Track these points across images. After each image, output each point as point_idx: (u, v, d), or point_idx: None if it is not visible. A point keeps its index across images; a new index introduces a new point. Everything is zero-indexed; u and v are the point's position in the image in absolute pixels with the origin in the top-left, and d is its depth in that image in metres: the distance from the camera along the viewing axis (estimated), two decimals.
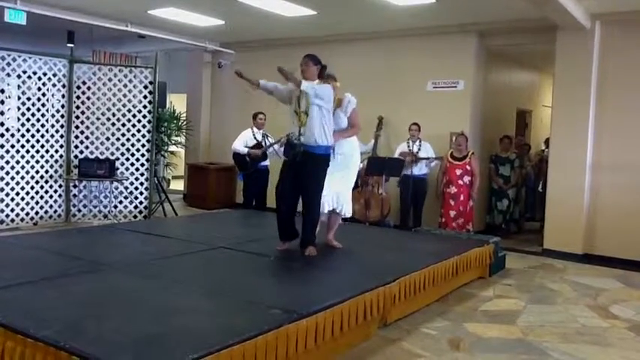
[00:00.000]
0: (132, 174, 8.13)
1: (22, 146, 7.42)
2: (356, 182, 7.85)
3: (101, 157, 7.93)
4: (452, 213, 7.38)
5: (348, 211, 5.23)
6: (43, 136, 7.61)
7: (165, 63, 10.12)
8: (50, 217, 7.78)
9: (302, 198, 4.84)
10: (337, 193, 5.10)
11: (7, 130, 7.29)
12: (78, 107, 7.93)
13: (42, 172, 7.65)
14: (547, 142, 9.13)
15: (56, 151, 7.78)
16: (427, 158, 7.60)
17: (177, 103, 10.39)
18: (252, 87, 4.88)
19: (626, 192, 6.72)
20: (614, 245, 6.78)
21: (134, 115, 8.09)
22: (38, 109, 7.55)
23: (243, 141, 7.78)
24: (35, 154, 7.55)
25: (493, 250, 5.80)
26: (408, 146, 7.71)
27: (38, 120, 7.55)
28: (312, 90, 4.62)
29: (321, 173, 4.80)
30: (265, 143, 7.72)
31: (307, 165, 4.72)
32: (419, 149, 7.64)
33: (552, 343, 4.00)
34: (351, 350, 3.68)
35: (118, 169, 7.95)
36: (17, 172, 7.39)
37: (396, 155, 7.71)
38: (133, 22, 8.63)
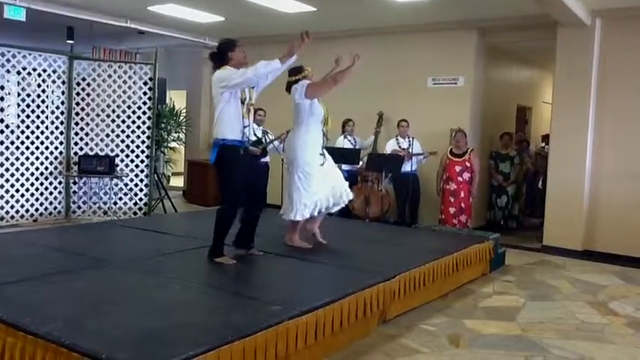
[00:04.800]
0: (132, 170, 8.12)
1: (22, 143, 7.41)
2: (356, 178, 7.92)
3: (101, 153, 7.92)
4: (452, 210, 7.38)
5: (349, 195, 5.16)
6: (42, 132, 7.60)
7: (165, 59, 10.11)
8: (50, 213, 7.78)
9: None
10: (333, 186, 5.02)
11: (7, 126, 7.29)
12: (78, 104, 7.93)
13: (42, 168, 7.64)
14: (545, 138, 9.15)
15: (56, 148, 7.77)
16: (421, 154, 7.61)
17: (177, 99, 10.38)
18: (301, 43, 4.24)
19: (626, 188, 6.72)
20: (614, 241, 6.78)
21: (134, 112, 8.08)
22: (38, 106, 7.55)
23: None
24: (35, 150, 7.54)
25: (493, 246, 5.80)
26: (398, 143, 7.73)
27: (38, 117, 7.55)
28: None
29: None
30: (265, 140, 7.72)
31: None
32: (409, 146, 7.66)
33: (552, 339, 4.01)
34: (351, 346, 3.68)
35: (117, 165, 7.95)
36: (17, 169, 7.39)
37: (387, 151, 7.73)
38: (133, 18, 8.61)
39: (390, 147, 7.82)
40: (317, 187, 4.86)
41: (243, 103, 4.32)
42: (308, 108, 4.80)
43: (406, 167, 7.55)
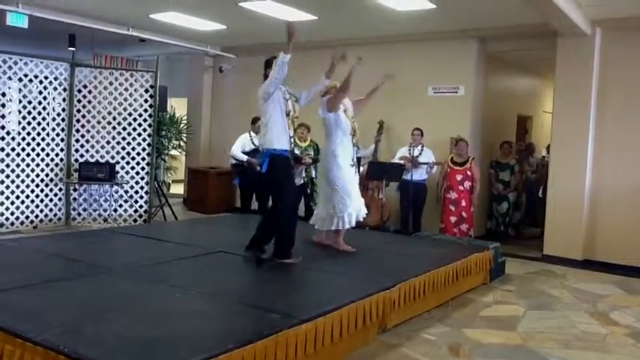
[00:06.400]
0: (132, 178, 8.13)
1: (23, 149, 7.42)
2: None
3: (101, 160, 7.93)
4: (452, 219, 7.38)
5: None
6: (43, 139, 7.61)
7: (167, 67, 10.15)
8: (50, 220, 7.77)
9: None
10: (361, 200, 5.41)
11: (8, 133, 7.30)
12: (79, 111, 7.94)
13: (42, 175, 7.64)
14: (549, 148, 9.14)
15: (57, 155, 7.78)
16: (427, 163, 7.60)
17: (177, 107, 10.40)
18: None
19: (626, 197, 6.72)
20: (614, 251, 6.77)
21: (135, 119, 8.10)
22: (39, 113, 7.56)
23: (241, 146, 7.73)
24: (36, 157, 7.55)
25: (493, 255, 5.79)
26: (409, 151, 7.73)
27: (39, 123, 7.56)
28: None
29: None
30: None
31: None
32: (419, 154, 7.65)
33: (552, 349, 3.99)
34: (350, 355, 3.67)
35: (118, 172, 7.95)
36: (17, 176, 7.39)
37: (397, 159, 7.73)
38: (135, 26, 8.65)
39: (400, 153, 7.82)
40: (355, 195, 5.26)
41: (288, 115, 4.68)
42: (333, 121, 5.18)
43: (414, 176, 7.50)
